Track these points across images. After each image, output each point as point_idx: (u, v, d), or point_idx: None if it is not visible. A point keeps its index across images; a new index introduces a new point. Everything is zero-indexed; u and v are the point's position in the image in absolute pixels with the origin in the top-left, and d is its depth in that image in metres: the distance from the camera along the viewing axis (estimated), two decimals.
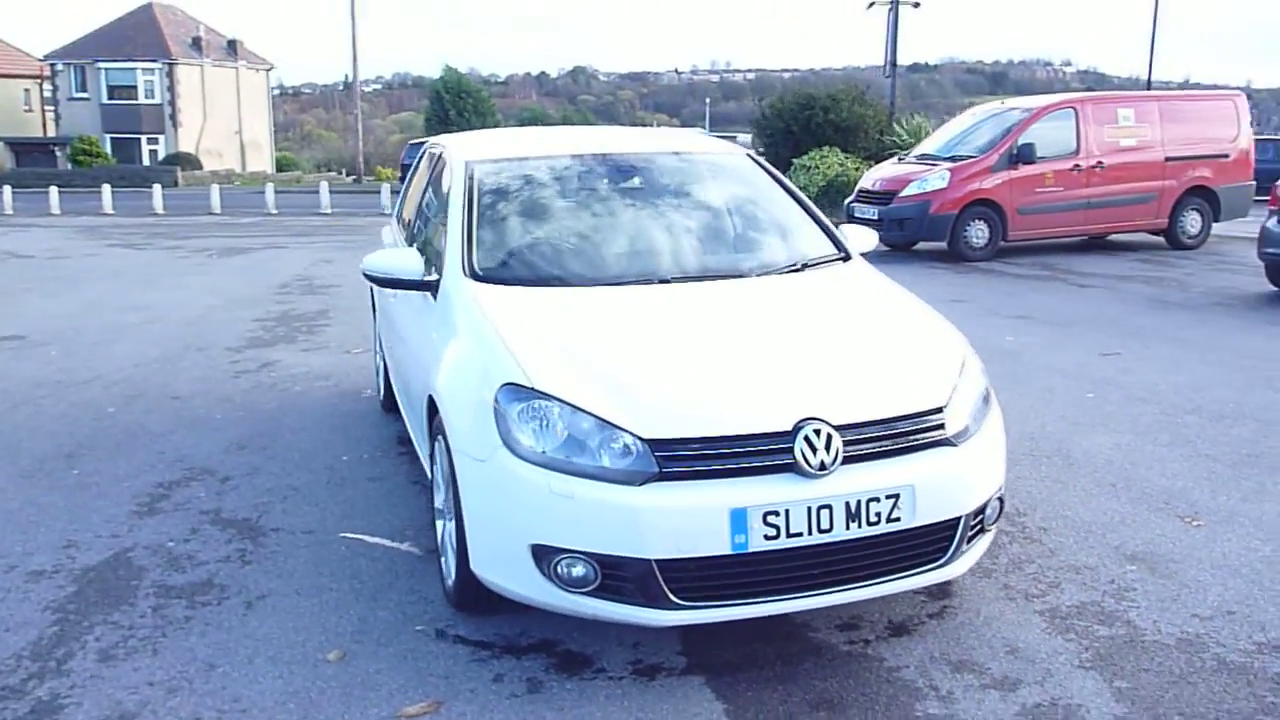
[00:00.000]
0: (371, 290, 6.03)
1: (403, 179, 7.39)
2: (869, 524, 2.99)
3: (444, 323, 3.78)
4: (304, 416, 6.05)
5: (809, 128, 19.62)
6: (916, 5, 21.26)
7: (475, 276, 3.81)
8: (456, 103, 43.66)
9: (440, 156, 4.91)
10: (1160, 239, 14.34)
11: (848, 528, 2.97)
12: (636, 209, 4.32)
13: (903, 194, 13.42)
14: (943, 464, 3.13)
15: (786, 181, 4.72)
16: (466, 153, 4.51)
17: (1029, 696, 2.95)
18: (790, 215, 4.47)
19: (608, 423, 2.97)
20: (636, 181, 4.47)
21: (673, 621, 2.94)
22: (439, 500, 3.75)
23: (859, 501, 2.97)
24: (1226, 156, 14.13)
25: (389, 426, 5.80)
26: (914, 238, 13.57)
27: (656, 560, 2.89)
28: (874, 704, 2.94)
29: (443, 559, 3.69)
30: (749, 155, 4.90)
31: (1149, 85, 31.68)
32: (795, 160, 19.57)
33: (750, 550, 2.91)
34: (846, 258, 4.23)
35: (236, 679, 3.12)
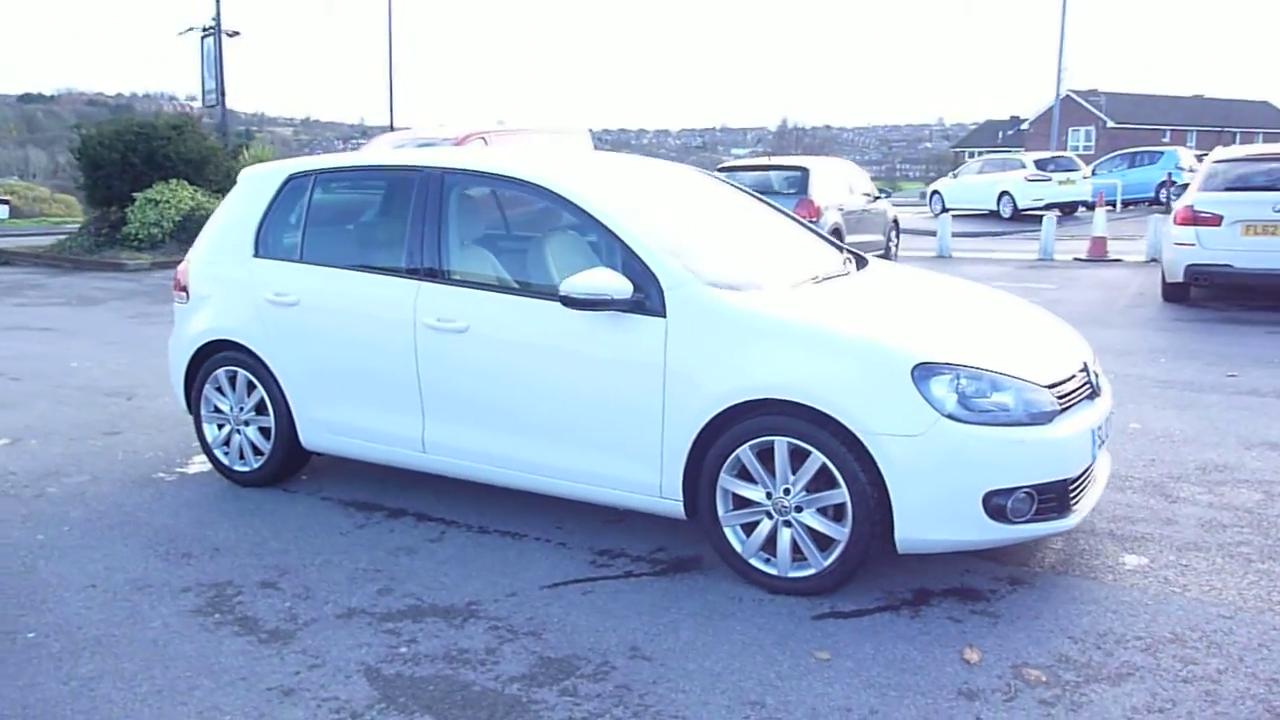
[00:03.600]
0: (216, 353, 5.02)
1: None
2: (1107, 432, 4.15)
3: (698, 334, 3.83)
4: (179, 510, 4.77)
5: (153, 160, 18.02)
6: (234, 35, 20.70)
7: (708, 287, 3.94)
8: None
9: (445, 177, 4.48)
10: None
11: (1107, 434, 4.09)
12: (716, 216, 4.69)
13: None
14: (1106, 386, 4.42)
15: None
16: (551, 171, 4.34)
17: (1189, 522, 4.40)
18: (790, 221, 5.20)
19: (1012, 377, 3.64)
20: (695, 193, 4.79)
21: (1073, 523, 3.75)
22: (721, 509, 3.85)
23: (1109, 416, 4.11)
24: None
25: (306, 498, 4.95)
26: None
27: (1071, 478, 3.68)
28: (1148, 536, 4.11)
29: (757, 560, 3.81)
30: (704, 172, 5.45)
31: (392, 127, 34.47)
32: (138, 194, 17.89)
33: (1094, 459, 3.86)
34: (859, 257, 5.11)
35: (801, 701, 3.08)
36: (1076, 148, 59.93)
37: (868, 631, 3.50)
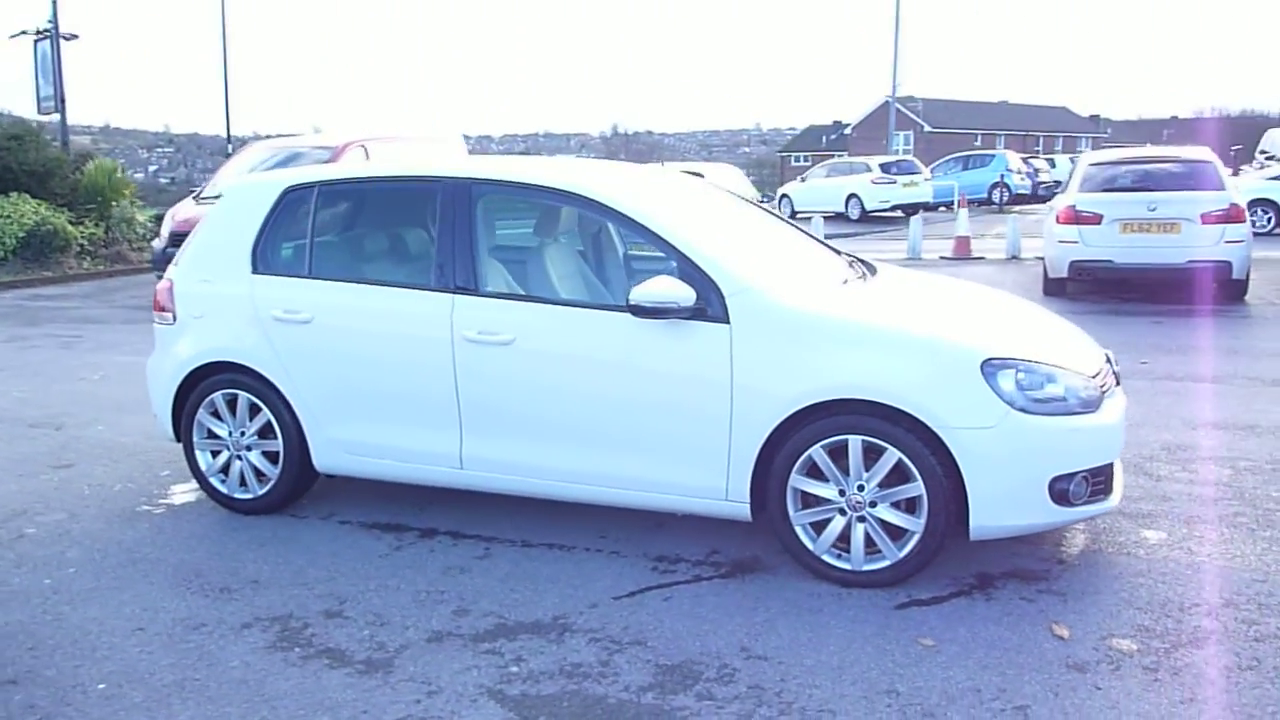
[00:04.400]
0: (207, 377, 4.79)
1: None
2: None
3: (763, 339, 3.91)
4: (189, 543, 4.50)
5: None
6: (72, 38, 19.22)
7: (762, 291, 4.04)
8: None
9: (472, 188, 4.40)
10: None
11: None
12: (732, 222, 4.79)
13: None
14: None
15: None
16: (588, 180, 4.35)
17: (1181, 498, 4.79)
18: (787, 225, 5.34)
19: (1063, 368, 3.89)
20: (705, 200, 4.87)
21: (1115, 503, 4.03)
22: (792, 509, 3.94)
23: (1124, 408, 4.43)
24: None
25: (321, 524, 4.76)
26: None
27: (1115, 461, 3.97)
28: (1154, 513, 4.45)
29: (829, 556, 3.93)
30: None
31: (229, 140, 32.55)
32: None
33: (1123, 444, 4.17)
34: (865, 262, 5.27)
35: (931, 686, 3.21)
36: (897, 151, 63.09)
37: (953, 617, 3.67)
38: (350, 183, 4.84)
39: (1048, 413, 3.78)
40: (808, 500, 3.95)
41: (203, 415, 4.88)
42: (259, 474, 4.83)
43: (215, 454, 4.91)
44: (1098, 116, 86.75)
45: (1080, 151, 53.67)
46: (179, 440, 5.02)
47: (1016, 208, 28.43)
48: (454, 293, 4.36)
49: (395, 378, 4.47)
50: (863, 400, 3.80)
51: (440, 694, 3.23)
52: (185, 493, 5.24)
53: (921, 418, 3.73)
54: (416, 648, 3.54)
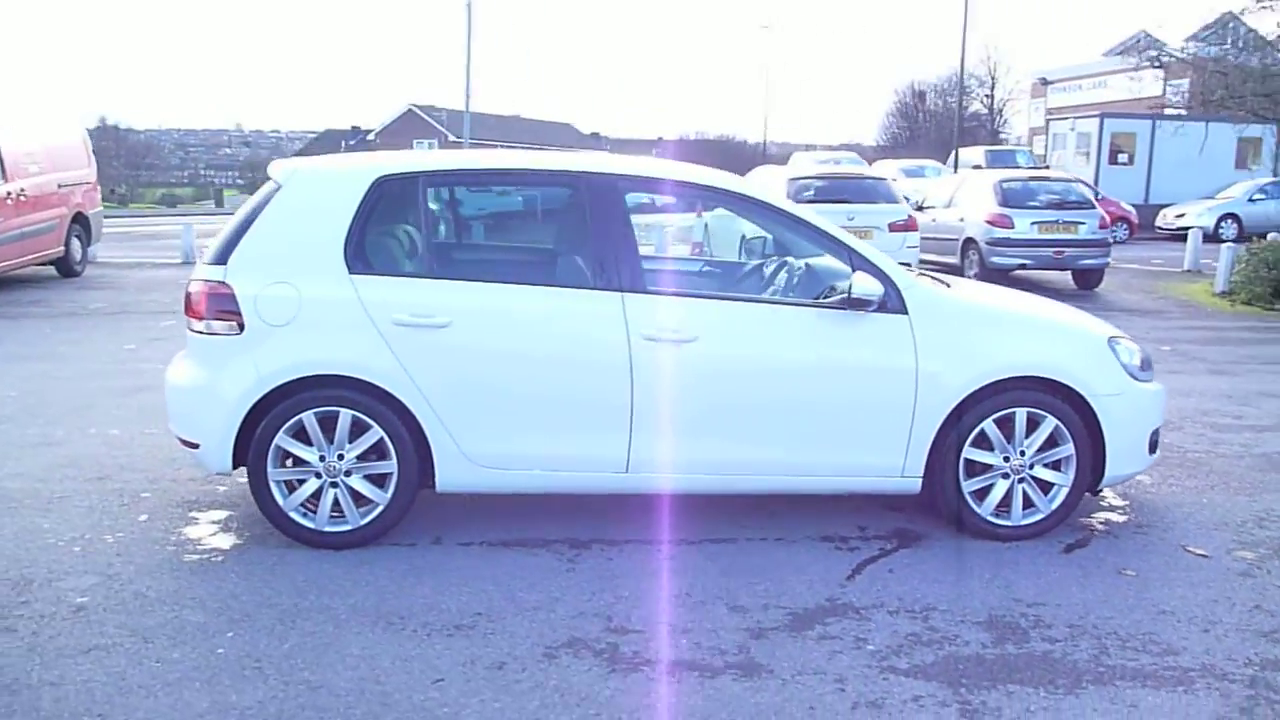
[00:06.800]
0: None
1: None
2: None
3: (939, 326, 4.36)
4: (332, 587, 3.84)
5: None
6: None
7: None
8: None
9: (619, 184, 4.32)
10: (50, 269, 14.05)
11: None
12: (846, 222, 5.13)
13: None
14: None
15: None
16: (743, 183, 4.44)
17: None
18: None
19: (1135, 342, 4.80)
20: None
21: (1154, 461, 4.99)
22: (964, 478, 4.44)
23: None
24: (89, 183, 14.65)
25: (444, 550, 4.31)
26: None
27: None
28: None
29: (993, 516, 4.47)
30: None
31: None
32: None
33: None
34: None
35: (1176, 606, 3.91)
36: None
37: (1113, 553, 4.39)
38: (465, 174, 4.42)
39: (1143, 379, 4.65)
40: (972, 469, 4.45)
41: (282, 439, 4.17)
42: (359, 501, 4.25)
43: (293, 486, 4.22)
44: (598, 134, 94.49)
45: None
46: (234, 469, 4.23)
47: None
48: (622, 291, 4.23)
49: (557, 382, 4.22)
50: (1031, 376, 4.39)
51: (849, 680, 3.28)
52: (213, 535, 4.41)
53: (1079, 389, 4.41)
54: (755, 647, 3.50)
